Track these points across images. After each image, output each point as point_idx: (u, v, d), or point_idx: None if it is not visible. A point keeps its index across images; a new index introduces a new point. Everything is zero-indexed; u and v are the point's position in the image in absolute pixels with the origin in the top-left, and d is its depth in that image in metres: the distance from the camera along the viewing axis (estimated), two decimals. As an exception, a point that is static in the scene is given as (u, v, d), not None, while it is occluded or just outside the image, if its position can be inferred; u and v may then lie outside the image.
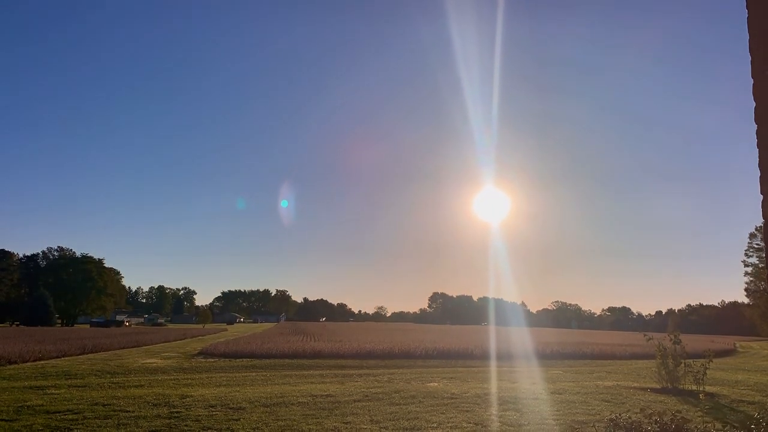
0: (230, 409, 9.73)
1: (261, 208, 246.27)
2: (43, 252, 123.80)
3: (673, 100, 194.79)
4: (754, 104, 3.14)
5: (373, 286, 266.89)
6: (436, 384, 14.41)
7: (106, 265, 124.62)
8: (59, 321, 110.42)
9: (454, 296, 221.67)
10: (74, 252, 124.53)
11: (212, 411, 9.51)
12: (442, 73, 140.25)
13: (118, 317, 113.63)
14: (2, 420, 8.69)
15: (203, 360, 23.89)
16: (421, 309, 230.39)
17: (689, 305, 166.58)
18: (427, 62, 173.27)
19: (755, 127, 3.12)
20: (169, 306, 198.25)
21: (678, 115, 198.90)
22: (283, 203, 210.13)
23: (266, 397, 11.08)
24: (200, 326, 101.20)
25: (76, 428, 8.15)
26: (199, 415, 9.09)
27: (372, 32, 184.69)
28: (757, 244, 74.50)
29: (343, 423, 8.63)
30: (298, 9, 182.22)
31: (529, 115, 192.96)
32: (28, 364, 20.72)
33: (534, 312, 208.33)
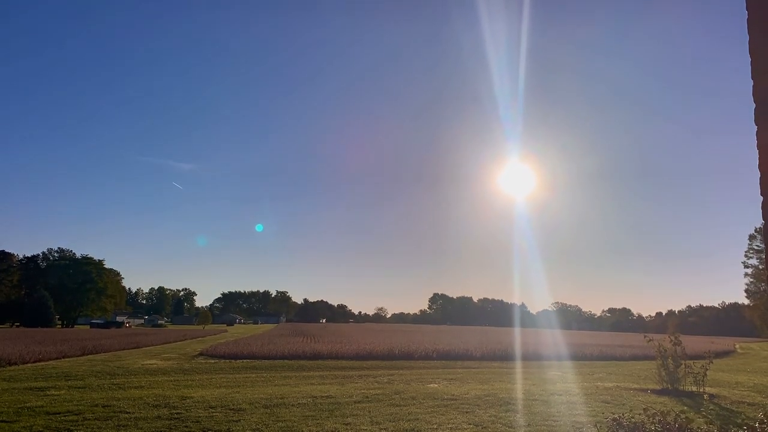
0: (230, 410, 9.73)
1: (261, 209, 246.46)
2: (44, 253, 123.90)
3: (674, 99, 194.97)
4: (754, 105, 3.14)
5: (373, 287, 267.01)
6: (436, 385, 14.41)
7: (106, 266, 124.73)
8: (59, 322, 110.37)
9: (455, 297, 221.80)
10: (74, 253, 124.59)
11: (212, 412, 9.51)
12: (468, 52, 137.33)
13: (119, 318, 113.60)
14: (2, 421, 8.69)
15: (203, 361, 23.87)
16: (421, 310, 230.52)
17: (689, 306, 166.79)
18: (451, 40, 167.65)
19: (755, 128, 3.12)
20: (169, 307, 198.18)
21: (679, 114, 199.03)
22: (258, 227, 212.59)
23: (266, 399, 11.07)
24: (200, 327, 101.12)
25: (76, 429, 8.15)
26: (200, 417, 9.09)
27: (397, 8, 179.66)
28: (757, 246, 74.49)
29: (344, 424, 8.62)
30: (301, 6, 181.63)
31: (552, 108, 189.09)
32: (29, 365, 20.71)
33: (534, 313, 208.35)
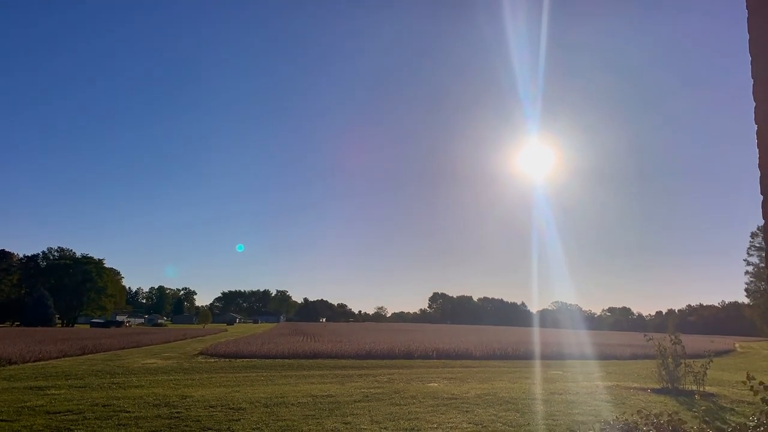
0: (230, 409, 9.73)
1: (260, 208, 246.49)
2: (44, 252, 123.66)
3: (673, 99, 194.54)
4: (754, 104, 3.14)
5: (373, 287, 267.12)
6: (436, 384, 14.41)
7: (106, 266, 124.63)
8: (59, 321, 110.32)
9: (454, 296, 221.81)
10: (74, 252, 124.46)
11: (212, 411, 9.51)
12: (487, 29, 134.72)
13: (119, 317, 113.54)
14: (3, 420, 8.69)
15: (203, 360, 23.89)
16: (421, 309, 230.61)
17: (689, 305, 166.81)
18: (469, 20, 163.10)
19: (756, 126, 3.12)
20: (170, 306, 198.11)
21: (679, 114, 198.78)
22: (239, 247, 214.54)
23: (266, 398, 11.07)
24: (200, 327, 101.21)
25: (76, 428, 8.15)
26: (200, 416, 9.09)
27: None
28: (758, 244, 74.36)
29: (344, 423, 8.62)
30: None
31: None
32: (29, 364, 20.73)
33: (534, 312, 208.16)
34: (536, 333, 65.16)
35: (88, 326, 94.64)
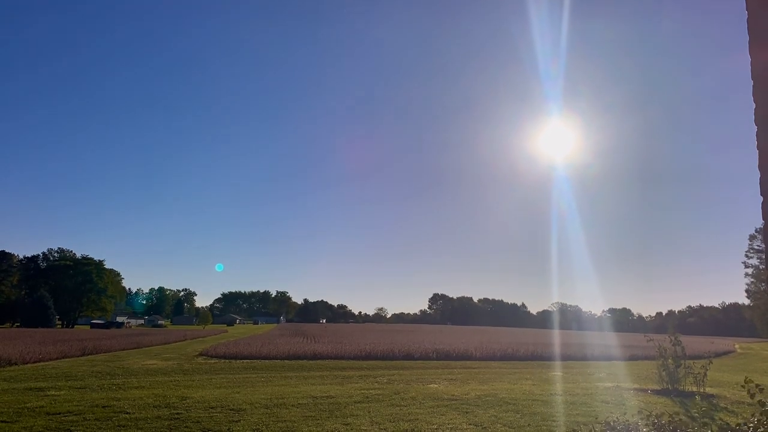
0: (230, 410, 9.73)
1: (260, 209, 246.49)
2: (44, 253, 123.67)
3: (673, 99, 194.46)
4: (754, 106, 3.14)
5: (373, 288, 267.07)
6: (436, 385, 14.40)
7: (106, 267, 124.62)
8: (59, 322, 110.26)
9: (455, 297, 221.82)
10: (74, 253, 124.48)
11: (212, 412, 9.50)
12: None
13: (119, 318, 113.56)
14: (2, 421, 8.69)
15: (203, 361, 23.87)
16: (421, 310, 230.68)
17: (689, 306, 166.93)
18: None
19: (755, 128, 3.12)
20: (170, 307, 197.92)
21: (679, 115, 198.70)
22: (219, 267, 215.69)
23: (266, 399, 11.07)
24: (200, 327, 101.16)
25: (76, 430, 8.14)
26: (200, 417, 9.08)
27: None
28: (757, 246, 74.46)
29: (344, 425, 8.62)
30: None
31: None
32: (29, 365, 20.73)
33: (534, 313, 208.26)
34: (536, 334, 65.13)
35: (88, 327, 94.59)
